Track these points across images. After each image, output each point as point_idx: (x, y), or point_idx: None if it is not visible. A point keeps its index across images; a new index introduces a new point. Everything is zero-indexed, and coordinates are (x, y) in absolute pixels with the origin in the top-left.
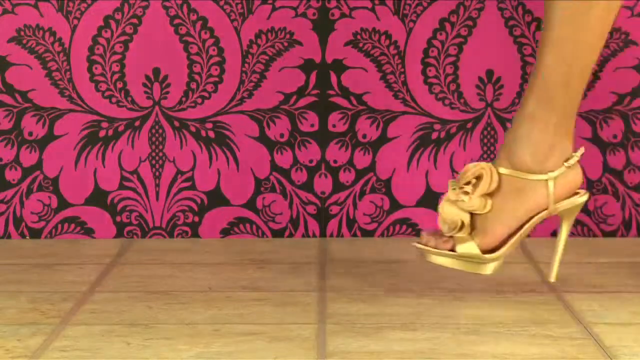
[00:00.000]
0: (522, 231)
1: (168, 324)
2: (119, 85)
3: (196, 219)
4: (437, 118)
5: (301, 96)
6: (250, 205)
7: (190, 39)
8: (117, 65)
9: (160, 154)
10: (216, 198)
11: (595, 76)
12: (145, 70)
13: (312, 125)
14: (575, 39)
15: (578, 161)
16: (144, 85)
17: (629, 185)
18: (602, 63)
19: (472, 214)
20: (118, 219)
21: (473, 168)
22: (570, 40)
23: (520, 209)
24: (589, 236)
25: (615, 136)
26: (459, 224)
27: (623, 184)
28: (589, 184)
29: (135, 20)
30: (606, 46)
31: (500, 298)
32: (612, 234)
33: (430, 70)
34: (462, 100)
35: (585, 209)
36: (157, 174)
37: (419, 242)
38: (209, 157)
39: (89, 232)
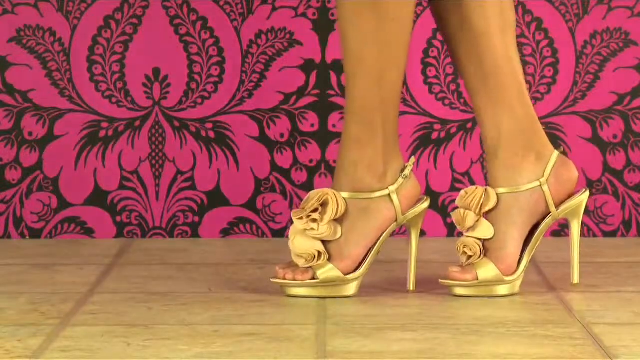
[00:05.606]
0: (376, 247)
1: (168, 324)
2: (119, 85)
3: (196, 219)
4: (437, 118)
5: (301, 96)
6: (250, 205)
7: (190, 39)
8: (117, 65)
9: (160, 154)
10: (216, 198)
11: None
12: (145, 70)
13: (312, 125)
14: (379, 58)
15: (411, 170)
16: (144, 85)
17: (629, 185)
18: (602, 63)
19: (323, 241)
20: (118, 219)
21: (316, 195)
22: (374, 59)
23: (369, 228)
24: (589, 236)
25: (615, 136)
26: (315, 254)
27: (623, 184)
28: (589, 184)
29: (135, 20)
30: (606, 46)
31: (500, 298)
32: (612, 234)
33: (430, 70)
34: (462, 100)
35: (585, 209)
36: (157, 174)
37: (275, 278)
38: (209, 157)
39: (89, 232)
